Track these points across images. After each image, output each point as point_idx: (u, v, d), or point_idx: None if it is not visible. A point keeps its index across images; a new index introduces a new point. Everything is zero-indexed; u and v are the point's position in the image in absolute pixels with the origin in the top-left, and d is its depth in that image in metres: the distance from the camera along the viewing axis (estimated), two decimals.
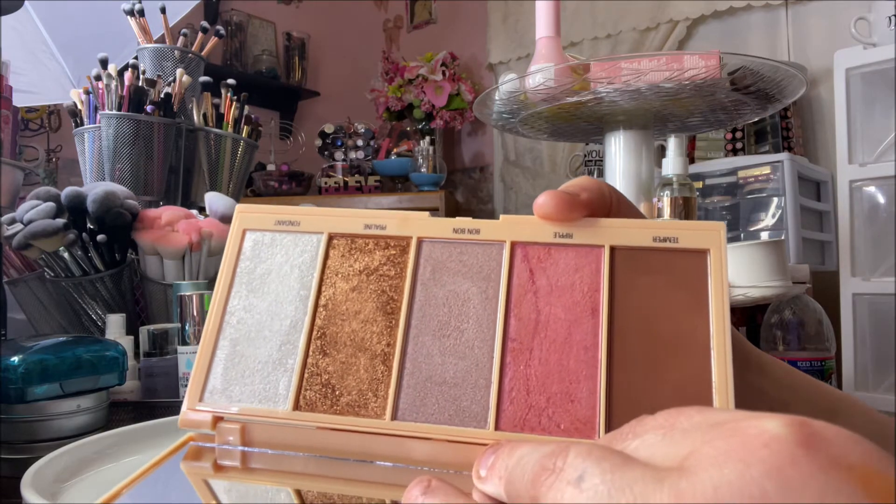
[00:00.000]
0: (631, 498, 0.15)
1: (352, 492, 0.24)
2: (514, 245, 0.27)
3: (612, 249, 0.26)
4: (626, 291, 0.25)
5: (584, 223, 0.26)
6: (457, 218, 0.27)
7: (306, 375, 0.26)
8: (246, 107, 1.14)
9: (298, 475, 0.25)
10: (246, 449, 0.25)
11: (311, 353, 0.26)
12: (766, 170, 1.67)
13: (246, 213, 0.29)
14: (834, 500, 0.14)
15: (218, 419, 0.26)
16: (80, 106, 1.06)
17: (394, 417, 0.25)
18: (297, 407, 0.25)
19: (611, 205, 0.27)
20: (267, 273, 0.28)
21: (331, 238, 0.28)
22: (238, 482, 0.25)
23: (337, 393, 0.25)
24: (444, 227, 0.27)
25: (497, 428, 0.24)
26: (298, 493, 0.24)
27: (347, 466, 0.24)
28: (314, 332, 0.26)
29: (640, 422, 0.19)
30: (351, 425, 0.25)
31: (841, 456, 0.15)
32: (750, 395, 0.30)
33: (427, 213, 0.28)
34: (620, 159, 0.99)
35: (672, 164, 0.95)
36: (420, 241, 0.27)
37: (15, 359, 0.53)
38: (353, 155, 2.59)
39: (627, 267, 0.25)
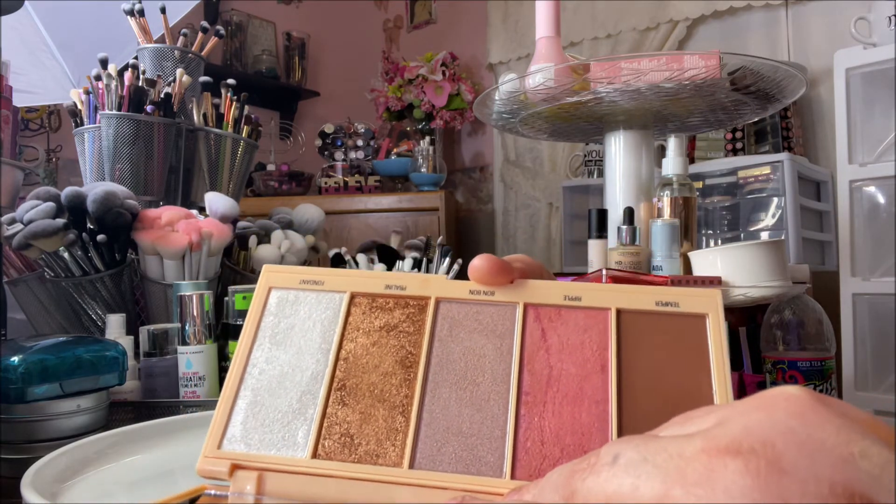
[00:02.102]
0: (666, 455, 0.17)
1: None
2: (526, 306, 0.28)
3: (619, 312, 0.27)
4: (632, 350, 0.26)
5: (591, 288, 0.28)
6: (472, 281, 0.29)
7: (325, 425, 0.26)
8: (246, 107, 1.14)
9: None
10: (261, 498, 0.26)
11: (330, 403, 0.27)
12: (766, 170, 1.67)
13: (272, 272, 0.31)
14: (848, 437, 0.16)
15: (235, 467, 0.26)
16: (80, 106, 1.06)
17: (411, 466, 0.25)
18: (315, 455, 0.26)
19: (541, 276, 0.30)
20: (290, 328, 0.29)
21: (353, 297, 0.29)
22: None
23: (356, 442, 0.26)
24: (461, 288, 0.29)
25: (513, 477, 0.24)
26: None
27: None
28: (334, 384, 0.27)
29: (654, 430, 0.20)
30: (369, 474, 0.25)
31: (849, 410, 0.17)
32: None
33: (445, 275, 0.30)
34: (620, 159, 0.99)
35: (672, 164, 0.95)
36: (438, 301, 0.29)
37: (15, 359, 0.53)
38: (353, 155, 2.59)
39: (633, 328, 0.27)
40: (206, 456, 0.26)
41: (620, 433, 0.25)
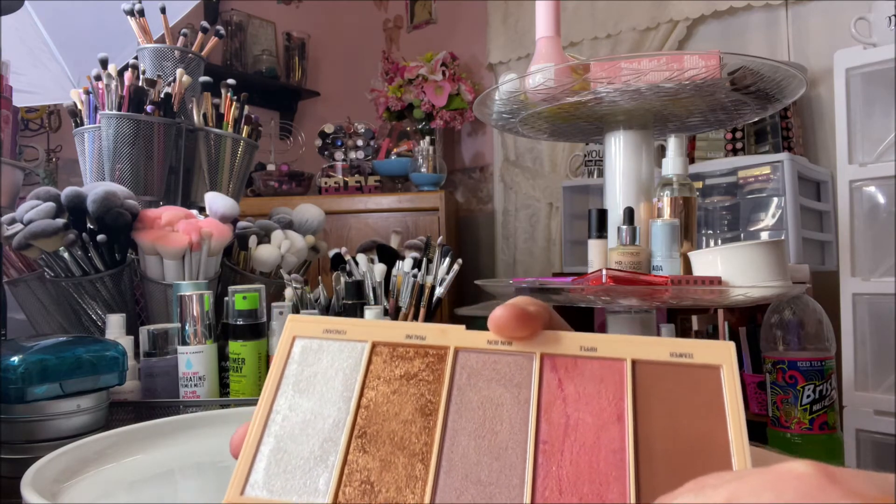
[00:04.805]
0: None
1: None
2: (543, 356, 0.29)
3: (634, 362, 0.28)
4: (648, 400, 0.27)
5: (607, 339, 0.29)
6: (489, 332, 0.29)
7: (346, 472, 0.27)
8: (246, 107, 1.14)
9: None
10: None
11: (351, 450, 0.27)
12: (766, 170, 1.67)
13: (297, 321, 0.31)
14: None
15: None
16: (80, 106, 1.06)
17: None
18: (336, 502, 0.26)
19: (549, 320, 0.30)
20: (313, 376, 0.30)
21: (374, 346, 0.30)
22: None
23: (375, 489, 0.26)
24: (479, 339, 0.30)
25: None
26: None
27: None
28: (355, 431, 0.28)
29: (668, 495, 0.20)
30: None
31: (859, 490, 0.17)
32: None
33: (463, 326, 0.30)
34: (620, 159, 0.99)
35: (672, 164, 0.95)
36: (457, 351, 0.30)
37: (15, 359, 0.53)
38: (353, 155, 2.59)
39: (648, 378, 0.28)
40: (228, 502, 0.27)
41: (637, 482, 0.25)
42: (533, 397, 0.28)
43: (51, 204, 0.87)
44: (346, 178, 2.51)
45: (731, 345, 0.28)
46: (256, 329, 0.76)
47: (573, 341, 0.29)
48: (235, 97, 1.12)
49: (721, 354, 0.28)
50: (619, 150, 0.99)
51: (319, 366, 0.30)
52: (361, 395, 0.29)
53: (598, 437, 0.26)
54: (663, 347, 0.28)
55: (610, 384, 0.28)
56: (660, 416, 0.27)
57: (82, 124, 1.06)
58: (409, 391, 0.29)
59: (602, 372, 0.28)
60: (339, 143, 2.60)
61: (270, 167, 2.53)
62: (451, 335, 0.30)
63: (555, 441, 0.26)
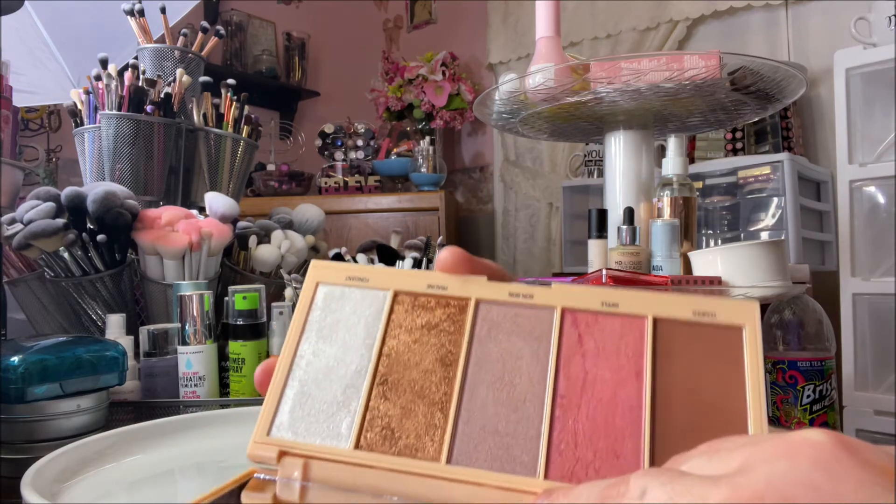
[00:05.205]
0: (691, 498, 0.17)
1: None
2: (564, 311, 0.29)
3: (655, 320, 0.28)
4: (667, 358, 0.27)
5: (629, 295, 0.29)
6: (512, 283, 0.30)
7: (368, 418, 0.28)
8: (246, 107, 1.14)
9: None
10: (307, 484, 0.27)
11: (373, 397, 0.28)
12: (766, 170, 1.67)
13: (319, 268, 0.32)
14: (871, 491, 0.16)
15: (283, 454, 0.27)
16: (80, 106, 1.06)
17: (448, 462, 0.26)
18: (357, 446, 0.27)
19: (503, 277, 0.31)
20: (336, 323, 0.30)
21: (396, 294, 0.30)
22: None
23: (396, 435, 0.27)
24: (501, 290, 0.30)
25: (546, 477, 0.25)
26: None
27: None
28: (377, 378, 0.28)
29: (682, 455, 0.20)
30: (408, 467, 0.26)
31: (873, 459, 0.17)
32: None
33: (485, 277, 0.30)
34: (620, 159, 0.99)
35: (672, 164, 0.95)
36: (478, 302, 0.30)
37: (15, 359, 0.53)
38: (353, 155, 2.59)
39: (669, 336, 0.27)
40: (255, 441, 0.28)
41: (652, 438, 0.25)
42: (552, 351, 0.28)
43: (51, 204, 0.87)
44: (346, 178, 2.51)
45: (756, 305, 0.27)
46: (256, 329, 0.76)
47: (595, 296, 0.29)
48: (235, 97, 1.12)
49: (744, 314, 0.27)
50: (619, 150, 0.99)
51: (342, 313, 0.30)
52: (383, 343, 0.29)
53: (615, 393, 0.26)
54: (686, 305, 0.28)
55: (630, 341, 0.27)
56: (678, 375, 0.26)
57: (82, 124, 1.06)
58: (430, 341, 0.29)
59: (623, 329, 0.28)
60: (339, 143, 2.60)
61: (270, 167, 2.53)
62: (472, 286, 0.30)
63: (572, 395, 0.27)
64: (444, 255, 0.30)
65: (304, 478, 0.27)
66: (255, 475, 0.28)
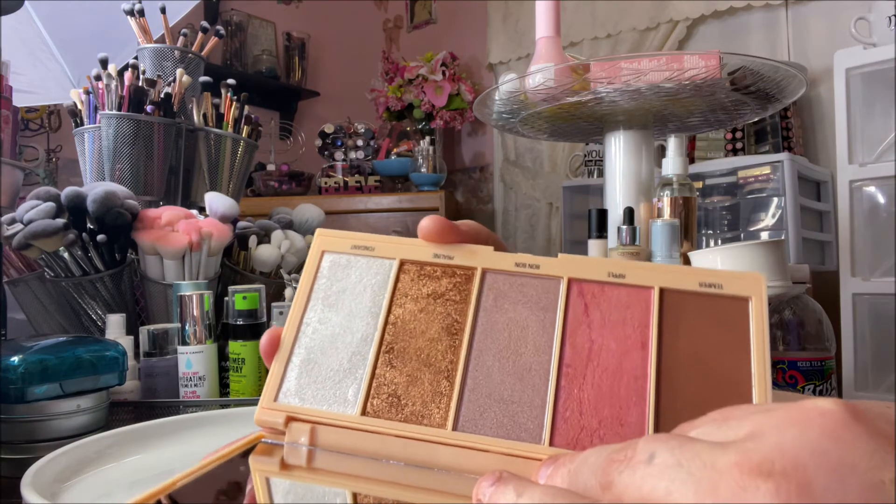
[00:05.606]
0: (700, 463, 0.17)
1: (407, 497, 0.25)
2: (570, 281, 0.29)
3: (662, 291, 0.28)
4: (673, 329, 0.27)
5: (636, 266, 0.28)
6: (518, 254, 0.30)
7: (374, 385, 0.28)
8: (246, 107, 1.14)
9: (359, 478, 0.26)
10: (314, 449, 0.27)
11: (379, 364, 0.28)
12: (766, 170, 1.67)
13: (325, 236, 0.32)
14: (882, 460, 0.16)
15: (290, 419, 0.27)
16: (80, 106, 1.06)
17: (454, 428, 0.26)
18: (364, 413, 0.27)
19: (487, 243, 0.31)
20: (342, 291, 0.30)
21: (402, 263, 0.31)
22: (300, 481, 0.26)
23: (402, 402, 0.27)
24: (507, 261, 0.30)
25: (551, 444, 0.25)
26: (355, 496, 0.26)
27: (407, 472, 0.26)
28: (383, 346, 0.29)
29: (690, 423, 0.20)
30: (414, 433, 0.26)
31: (884, 428, 0.17)
32: None
33: (491, 247, 0.30)
34: (620, 159, 0.99)
35: (672, 164, 0.95)
36: (484, 272, 0.30)
37: (15, 359, 0.53)
38: (353, 155, 2.59)
39: (675, 307, 0.28)
40: (263, 407, 0.28)
41: (657, 408, 0.25)
42: (558, 321, 0.28)
43: (51, 204, 0.87)
44: (346, 178, 2.51)
45: (762, 277, 0.27)
46: (256, 329, 0.76)
47: (602, 267, 0.29)
48: (235, 97, 1.12)
49: (751, 286, 0.27)
50: (619, 150, 0.99)
51: (348, 281, 0.31)
52: (389, 311, 0.29)
53: (620, 362, 0.27)
54: (693, 276, 0.28)
55: (636, 311, 0.28)
56: (684, 346, 0.27)
57: (82, 124, 1.06)
58: (436, 310, 0.29)
59: (629, 299, 0.28)
60: (339, 143, 2.60)
61: (270, 167, 2.53)
62: (479, 256, 0.30)
63: (578, 365, 0.27)
64: (426, 223, 0.30)
65: (310, 443, 0.27)
66: (263, 440, 0.28)
